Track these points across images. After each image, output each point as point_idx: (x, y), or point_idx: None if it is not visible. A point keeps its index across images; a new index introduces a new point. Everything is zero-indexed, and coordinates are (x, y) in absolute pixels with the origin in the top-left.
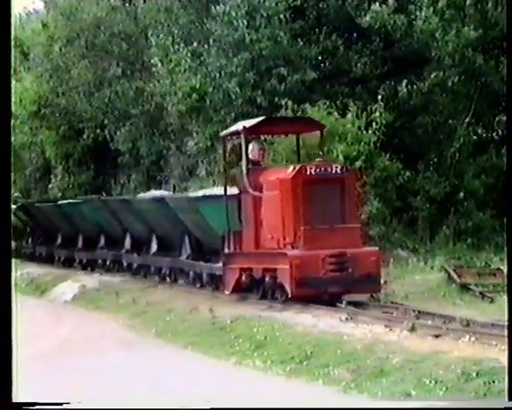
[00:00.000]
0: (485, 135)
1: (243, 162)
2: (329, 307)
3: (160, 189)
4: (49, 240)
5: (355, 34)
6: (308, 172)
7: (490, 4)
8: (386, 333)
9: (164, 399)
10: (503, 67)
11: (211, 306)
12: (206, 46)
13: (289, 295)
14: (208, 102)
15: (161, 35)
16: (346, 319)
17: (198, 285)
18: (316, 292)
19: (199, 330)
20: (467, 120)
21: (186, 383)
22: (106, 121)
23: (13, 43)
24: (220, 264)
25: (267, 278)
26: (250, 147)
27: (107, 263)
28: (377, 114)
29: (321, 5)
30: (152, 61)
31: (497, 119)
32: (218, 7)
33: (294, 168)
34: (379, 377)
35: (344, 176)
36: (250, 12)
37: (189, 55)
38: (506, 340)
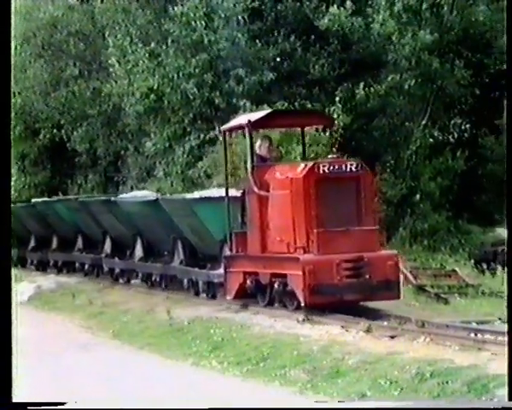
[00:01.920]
0: (441, 138)
1: (248, 159)
2: (285, 308)
3: (117, 190)
4: (20, 242)
5: (313, 36)
6: (321, 171)
7: (445, 8)
8: (343, 334)
9: (121, 400)
10: (459, 71)
11: (168, 307)
12: (164, 47)
13: (302, 304)
14: (166, 102)
15: (119, 35)
16: (303, 320)
17: (192, 293)
18: (331, 300)
19: (156, 331)
20: (423, 122)
21: (142, 384)
22: (62, 121)
23: None
24: (218, 271)
25: (276, 285)
26: (258, 142)
27: (86, 267)
28: (335, 115)
29: (279, 7)
30: (109, 61)
31: (452, 122)
32: (176, 8)
33: (306, 166)
34: (335, 378)
35: (359, 174)
36: (208, 13)
37: (147, 55)
38: (506, 340)
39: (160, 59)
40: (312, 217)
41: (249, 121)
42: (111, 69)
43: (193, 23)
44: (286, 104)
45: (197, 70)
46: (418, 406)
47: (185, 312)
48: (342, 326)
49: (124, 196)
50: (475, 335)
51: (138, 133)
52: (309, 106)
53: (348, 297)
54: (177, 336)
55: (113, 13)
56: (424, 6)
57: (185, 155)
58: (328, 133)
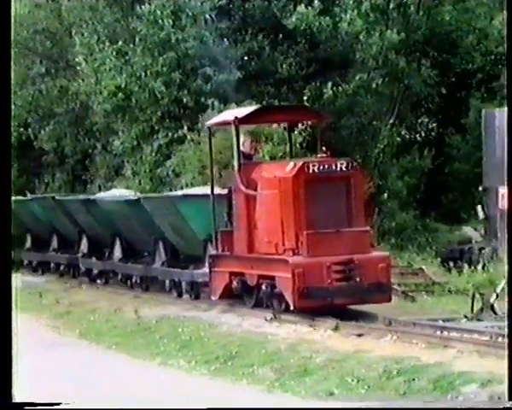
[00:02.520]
0: (408, 136)
1: (234, 157)
2: (255, 307)
3: (85, 189)
4: None
5: (281, 35)
6: (311, 170)
7: (412, 8)
8: (310, 332)
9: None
10: (425, 70)
11: (135, 306)
12: (131, 45)
13: (291, 307)
14: (134, 101)
15: (86, 33)
16: (271, 318)
17: (175, 294)
18: (320, 304)
19: (123, 330)
20: (390, 121)
21: (110, 383)
22: (29, 120)
23: None
24: (202, 270)
25: (263, 287)
26: (241, 139)
27: (62, 267)
28: None
29: (247, 6)
30: (76, 59)
31: (419, 120)
32: (143, 6)
33: (295, 165)
34: (302, 377)
35: (350, 173)
36: (175, 12)
37: (114, 53)
38: (506, 340)
39: (127, 57)
40: (302, 218)
41: (236, 118)
42: (78, 67)
43: (160, 21)
44: (254, 103)
45: (165, 69)
46: (417, 406)
47: (153, 311)
48: (310, 325)
49: (102, 194)
50: (441, 332)
51: (106, 132)
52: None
53: (338, 301)
54: (144, 336)
55: (79, 11)
56: (391, 6)
57: (153, 154)
58: (296, 132)
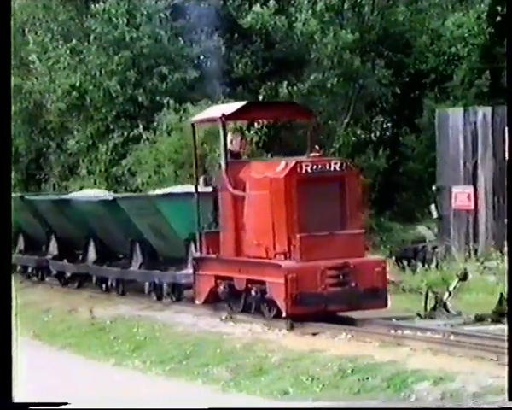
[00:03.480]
0: (363, 136)
1: (221, 155)
2: (209, 306)
3: (39, 188)
4: None
5: (236, 35)
6: (304, 170)
7: (366, 9)
8: (266, 332)
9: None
10: (380, 70)
11: (90, 306)
12: (85, 44)
13: (283, 314)
14: (88, 100)
15: (39, 31)
16: (226, 318)
17: (154, 297)
18: (314, 310)
19: (77, 331)
20: (346, 121)
21: (63, 384)
22: None
23: None
24: (185, 271)
25: (253, 292)
26: (229, 137)
27: (30, 270)
28: None
29: (202, 5)
30: (30, 57)
31: (374, 120)
32: (97, 4)
33: (287, 165)
34: (258, 376)
35: (344, 173)
36: (130, 10)
37: (69, 52)
38: (506, 340)
39: (81, 56)
40: (294, 220)
41: (223, 114)
42: (32, 66)
43: (115, 20)
44: (209, 102)
45: (120, 67)
46: (417, 406)
47: (107, 311)
48: (265, 324)
49: (75, 194)
50: (395, 331)
51: (61, 130)
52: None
53: (333, 307)
54: (98, 336)
55: (33, 9)
56: (346, 6)
57: (109, 153)
58: (252, 131)
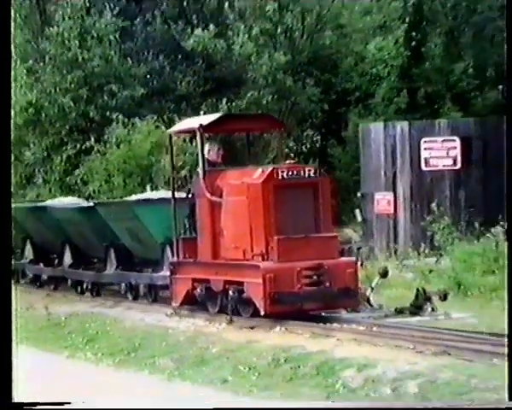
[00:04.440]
0: (295, 148)
1: (200, 164)
2: (155, 303)
3: None
4: None
5: (180, 56)
6: (280, 176)
7: (297, 33)
8: (207, 326)
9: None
10: (310, 88)
11: (46, 304)
12: (41, 64)
13: (261, 313)
14: (44, 115)
15: None
16: (171, 313)
17: (130, 297)
18: (290, 309)
19: (34, 326)
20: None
21: (18, 376)
22: None
23: None
24: (162, 273)
25: (231, 292)
26: (206, 147)
27: None
28: None
29: (148, 28)
30: None
31: (305, 133)
32: (51, 28)
33: (264, 171)
34: (200, 366)
35: (318, 180)
36: (82, 33)
37: (25, 72)
38: (506, 340)
39: (37, 75)
40: (271, 223)
41: (201, 125)
42: None
43: (67, 42)
44: (155, 117)
45: (73, 85)
46: (417, 406)
47: (63, 308)
48: (207, 319)
49: (51, 202)
50: (324, 324)
51: (18, 143)
52: (177, 119)
53: (308, 306)
54: (54, 331)
55: None
56: (279, 30)
57: (63, 164)
58: (194, 144)
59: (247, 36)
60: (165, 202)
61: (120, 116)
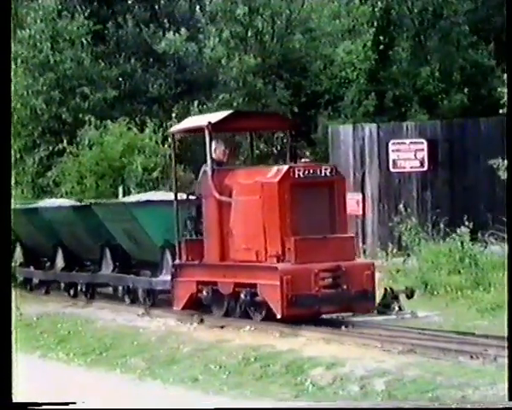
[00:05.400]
0: (266, 149)
1: (208, 163)
2: (128, 304)
3: None
4: None
5: (151, 59)
6: (296, 175)
7: (267, 37)
8: (178, 326)
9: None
10: (280, 91)
11: (17, 304)
12: (13, 66)
13: (278, 316)
14: (16, 117)
15: None
16: (143, 313)
17: (128, 301)
18: (308, 312)
19: None
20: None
21: None
22: None
23: None
24: (162, 278)
25: (242, 295)
26: (213, 145)
27: None
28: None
29: (120, 32)
30: None
31: (275, 135)
32: (23, 31)
33: (279, 170)
34: (170, 365)
35: (334, 179)
36: (54, 36)
37: None
38: (506, 341)
39: None
40: (287, 223)
41: (209, 123)
42: None
43: (39, 45)
44: (127, 119)
45: (45, 88)
46: (417, 406)
47: (34, 308)
48: (178, 319)
49: (42, 203)
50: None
51: None
52: (149, 121)
53: (326, 309)
54: (25, 331)
55: None
56: (249, 34)
57: (35, 166)
58: (166, 145)
59: (217, 39)
60: (164, 203)
61: (92, 118)
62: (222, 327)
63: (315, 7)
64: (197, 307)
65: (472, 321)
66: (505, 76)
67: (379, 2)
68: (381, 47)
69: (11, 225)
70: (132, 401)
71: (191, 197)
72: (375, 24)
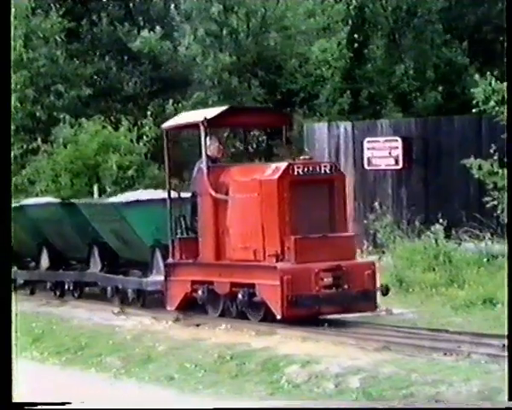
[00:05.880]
0: (241, 148)
1: (203, 160)
2: (103, 302)
3: None
4: None
5: (126, 57)
6: (296, 172)
7: (242, 35)
8: (154, 324)
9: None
10: (255, 89)
11: None
12: None
13: (277, 317)
14: None
15: None
16: (118, 312)
17: (117, 302)
18: (308, 313)
19: None
20: (225, 134)
21: None
22: None
23: None
24: (152, 278)
25: (240, 295)
26: (208, 142)
27: None
28: (147, 128)
29: (95, 30)
30: None
31: (251, 134)
32: None
33: (278, 167)
34: (146, 364)
35: (334, 176)
36: (27, 33)
37: None
38: (506, 341)
39: None
40: (287, 222)
41: (205, 119)
42: None
43: (12, 42)
44: (102, 117)
45: (19, 85)
46: (416, 406)
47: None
48: (153, 317)
49: (26, 201)
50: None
51: None
52: (124, 119)
53: (326, 309)
54: None
55: None
56: (224, 32)
57: None
58: (141, 144)
59: (192, 37)
60: (154, 202)
61: (67, 116)
62: (198, 325)
63: (290, 5)
64: (191, 307)
65: (446, 318)
66: (505, 76)
67: (353, 1)
68: (356, 45)
69: (11, 224)
70: (107, 400)
71: (185, 195)
72: (350, 22)
